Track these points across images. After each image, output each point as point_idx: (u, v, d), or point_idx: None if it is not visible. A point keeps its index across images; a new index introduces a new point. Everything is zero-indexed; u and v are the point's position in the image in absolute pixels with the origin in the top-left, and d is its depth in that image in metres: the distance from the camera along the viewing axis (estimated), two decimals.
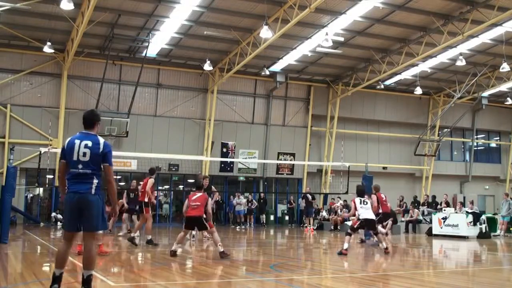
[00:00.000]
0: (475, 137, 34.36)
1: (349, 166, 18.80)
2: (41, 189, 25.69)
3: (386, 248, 11.81)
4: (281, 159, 28.53)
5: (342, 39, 22.60)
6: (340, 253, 11.33)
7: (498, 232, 19.74)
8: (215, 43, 23.43)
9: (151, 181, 13.18)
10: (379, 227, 13.30)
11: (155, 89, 26.63)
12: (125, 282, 7.52)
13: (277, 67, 26.87)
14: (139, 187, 14.87)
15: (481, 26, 19.62)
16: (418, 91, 28.32)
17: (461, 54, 23.28)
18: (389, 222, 20.51)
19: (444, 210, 19.87)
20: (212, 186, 16.41)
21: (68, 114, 24.30)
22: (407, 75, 28.15)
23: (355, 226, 12.16)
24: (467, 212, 19.11)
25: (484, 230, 18.61)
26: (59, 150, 22.32)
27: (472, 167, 33.70)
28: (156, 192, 17.14)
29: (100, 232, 9.55)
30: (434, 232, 19.33)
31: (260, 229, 23.66)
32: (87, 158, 5.67)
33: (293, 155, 28.94)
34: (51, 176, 23.53)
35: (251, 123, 28.51)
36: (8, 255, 10.90)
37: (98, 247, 9.80)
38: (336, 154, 28.96)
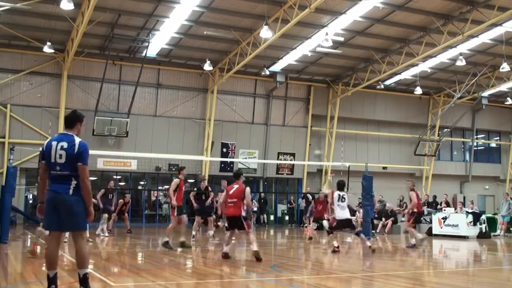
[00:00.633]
0: (475, 137, 34.35)
1: (349, 166, 18.79)
2: None
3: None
4: (281, 159, 28.52)
5: (342, 39, 22.60)
6: (334, 251, 11.38)
7: (498, 232, 19.75)
8: (215, 43, 23.42)
9: (175, 181, 12.20)
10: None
11: (155, 89, 26.62)
12: (125, 282, 7.52)
13: (277, 67, 26.86)
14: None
15: (481, 26, 19.62)
16: (418, 91, 28.31)
17: (461, 54, 23.28)
18: (389, 222, 20.56)
19: (444, 210, 19.88)
20: (208, 187, 16.23)
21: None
22: (407, 75, 28.15)
23: (333, 226, 12.06)
24: (467, 212, 19.12)
25: (484, 230, 18.61)
26: None
27: (472, 167, 33.69)
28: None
29: (46, 232, 9.44)
30: (434, 232, 19.33)
31: (260, 229, 23.65)
32: (63, 160, 5.66)
33: (293, 155, 28.94)
34: None
35: (251, 123, 28.51)
36: (8, 255, 10.90)
37: (33, 245, 9.46)
38: (336, 154, 28.98)
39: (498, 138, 35.78)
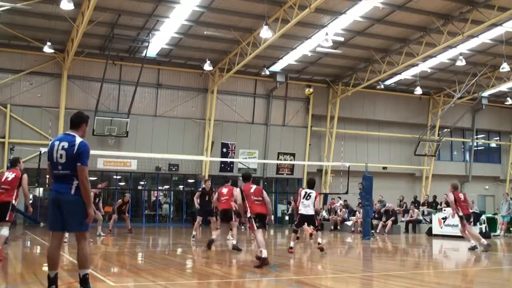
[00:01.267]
0: (475, 137, 34.37)
1: (349, 166, 18.80)
2: (41, 189, 25.68)
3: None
4: (281, 159, 28.52)
5: (342, 39, 22.60)
6: (289, 251, 11.36)
7: (498, 232, 19.75)
8: (215, 43, 23.43)
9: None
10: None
11: (155, 89, 26.62)
12: (125, 282, 7.52)
13: (277, 67, 26.86)
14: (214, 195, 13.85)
15: (481, 26, 19.62)
16: (418, 91, 28.32)
17: (461, 54, 23.29)
18: (389, 222, 20.56)
19: (444, 210, 19.87)
20: (213, 188, 16.16)
21: (68, 114, 24.27)
22: (407, 75, 28.15)
23: (296, 222, 12.13)
24: None
25: (484, 230, 18.61)
26: None
27: (472, 167, 33.70)
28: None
29: (4, 234, 9.40)
30: (434, 232, 19.34)
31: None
32: (64, 160, 5.70)
33: (293, 155, 28.94)
34: None
35: (251, 123, 28.51)
36: (8, 255, 10.90)
37: None
38: (336, 154, 28.97)
39: (498, 138, 35.79)
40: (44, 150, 16.52)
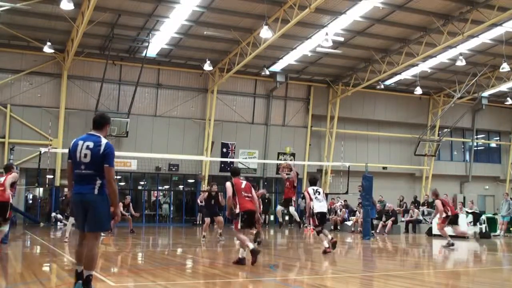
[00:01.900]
0: (475, 137, 34.37)
1: (349, 166, 18.80)
2: (41, 189, 25.70)
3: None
4: (281, 159, 28.49)
5: (342, 39, 22.60)
6: (325, 252, 11.21)
7: (498, 232, 19.74)
8: (215, 43, 23.43)
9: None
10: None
11: (155, 89, 26.63)
12: (125, 282, 7.52)
13: (277, 67, 26.86)
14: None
15: (481, 26, 19.62)
16: (418, 91, 28.33)
17: (461, 54, 23.29)
18: (389, 222, 20.56)
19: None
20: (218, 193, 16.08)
21: (68, 114, 24.31)
22: (407, 75, 28.15)
23: (316, 224, 11.53)
24: (467, 212, 19.10)
25: (484, 230, 18.60)
26: (59, 150, 22.39)
27: (472, 167, 33.70)
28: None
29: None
30: (434, 232, 19.29)
31: (261, 229, 23.59)
32: (88, 159, 5.73)
33: (293, 155, 28.93)
34: (51, 176, 23.53)
35: (251, 123, 28.51)
36: (8, 255, 10.90)
37: None
38: (336, 154, 28.97)
39: (498, 138, 35.79)
40: (44, 150, 16.56)
